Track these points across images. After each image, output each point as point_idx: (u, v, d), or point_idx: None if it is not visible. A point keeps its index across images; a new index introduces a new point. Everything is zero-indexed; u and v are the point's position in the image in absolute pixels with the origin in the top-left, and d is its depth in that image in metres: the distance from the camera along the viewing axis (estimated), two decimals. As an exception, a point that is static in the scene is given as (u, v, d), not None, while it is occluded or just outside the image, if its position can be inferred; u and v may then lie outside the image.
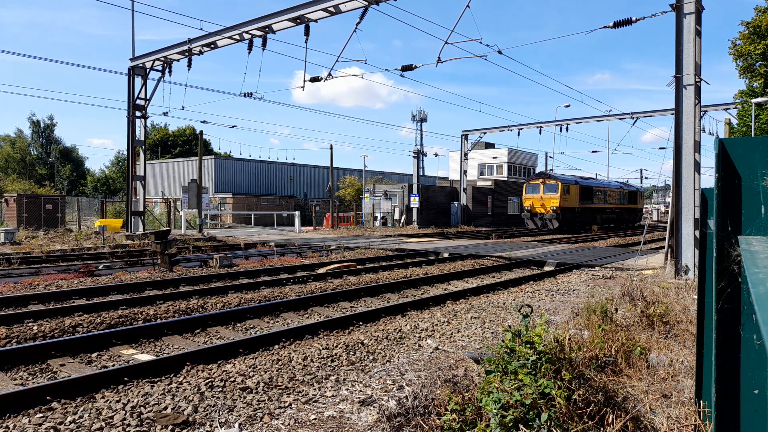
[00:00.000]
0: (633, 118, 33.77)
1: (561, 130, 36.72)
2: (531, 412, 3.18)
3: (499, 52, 16.57)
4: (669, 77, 12.43)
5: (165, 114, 22.96)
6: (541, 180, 35.11)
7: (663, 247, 16.11)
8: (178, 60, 21.98)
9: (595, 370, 4.36)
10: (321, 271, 13.37)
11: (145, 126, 24.52)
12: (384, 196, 39.89)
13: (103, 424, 4.12)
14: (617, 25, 14.62)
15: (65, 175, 66.10)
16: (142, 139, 24.29)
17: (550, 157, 53.09)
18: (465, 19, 15.46)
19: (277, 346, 6.62)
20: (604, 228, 39.04)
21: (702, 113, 19.20)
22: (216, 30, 19.54)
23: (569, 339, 4.90)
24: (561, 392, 3.31)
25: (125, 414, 4.30)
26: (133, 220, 24.16)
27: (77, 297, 9.69)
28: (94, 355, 6.26)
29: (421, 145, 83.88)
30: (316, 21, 17.15)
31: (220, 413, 4.39)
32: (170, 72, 22.52)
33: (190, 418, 4.26)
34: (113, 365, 5.89)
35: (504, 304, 9.45)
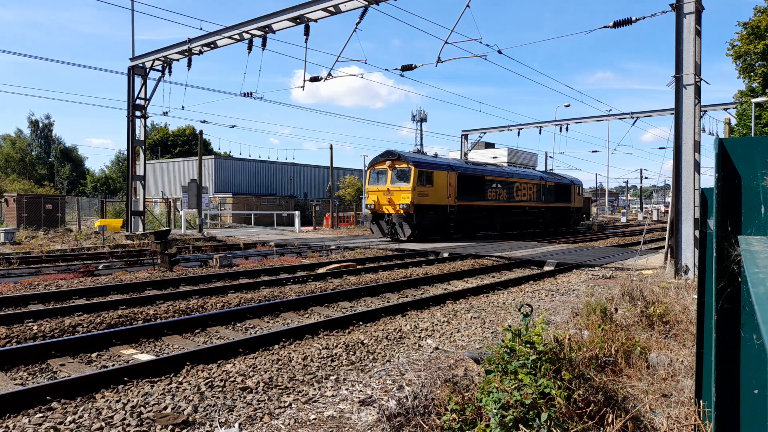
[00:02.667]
0: (633, 117, 33.77)
1: (561, 130, 36.73)
2: (531, 412, 3.18)
3: (499, 51, 16.56)
4: (669, 77, 12.44)
5: (165, 114, 22.96)
6: (388, 163, 22.90)
7: (663, 246, 16.11)
8: (177, 60, 21.97)
9: (594, 369, 4.36)
10: (321, 270, 13.37)
11: (145, 126, 24.51)
12: (384, 195, 39.72)
13: (103, 423, 4.12)
14: (617, 24, 14.61)
15: (65, 175, 66.08)
16: (142, 138, 24.28)
17: (550, 156, 53.04)
18: (465, 18, 15.47)
19: (277, 346, 6.62)
20: (513, 236, 28.11)
21: (702, 113, 19.20)
22: (216, 30, 19.53)
23: (569, 339, 4.91)
24: (561, 392, 3.31)
25: (125, 414, 4.30)
26: (133, 220, 24.15)
27: (77, 297, 9.69)
28: (94, 354, 6.26)
29: (421, 144, 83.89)
30: (315, 21, 17.14)
31: (220, 413, 4.39)
32: (170, 72, 22.51)
33: (190, 418, 4.26)
34: (113, 365, 5.89)
35: (504, 303, 9.46)
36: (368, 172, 24.35)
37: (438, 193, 23.12)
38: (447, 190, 23.62)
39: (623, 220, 61.64)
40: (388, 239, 22.84)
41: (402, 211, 22.04)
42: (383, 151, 23.76)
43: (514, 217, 29.09)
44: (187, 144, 65.02)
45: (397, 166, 22.71)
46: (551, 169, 55.84)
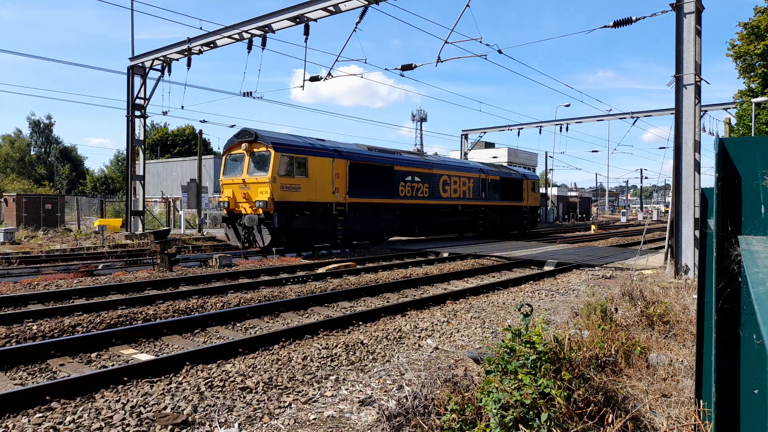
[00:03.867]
0: (633, 117, 33.78)
1: (561, 130, 36.76)
2: (531, 412, 3.17)
3: (499, 51, 16.56)
4: (669, 77, 12.44)
5: (164, 113, 22.94)
6: (244, 146, 17.50)
7: (663, 246, 16.11)
8: (177, 59, 21.96)
9: (594, 369, 4.36)
10: (320, 270, 13.37)
11: (145, 125, 24.49)
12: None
13: (103, 423, 4.12)
14: (617, 24, 14.61)
15: (64, 175, 66.04)
16: (142, 138, 24.27)
17: (550, 156, 53.07)
18: (465, 18, 15.46)
19: (276, 346, 6.61)
20: (444, 239, 23.89)
21: (702, 113, 19.19)
22: (215, 29, 19.52)
23: (569, 339, 4.90)
24: (561, 392, 3.31)
25: (125, 414, 4.30)
26: (133, 220, 24.14)
27: (77, 297, 9.68)
28: (93, 354, 6.26)
29: (421, 144, 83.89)
30: (315, 20, 17.13)
31: (220, 413, 4.39)
32: (170, 71, 22.50)
33: (190, 418, 4.26)
34: (113, 365, 5.89)
35: (504, 303, 9.45)
36: (224, 158, 18.51)
37: (317, 187, 17.59)
38: (333, 184, 18.04)
39: (623, 220, 61.69)
40: (248, 247, 17.75)
41: (260, 211, 16.54)
42: (239, 130, 17.96)
43: (441, 218, 23.58)
44: (187, 144, 65.00)
45: (255, 149, 17.12)
46: (551, 169, 55.89)
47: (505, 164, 31.30)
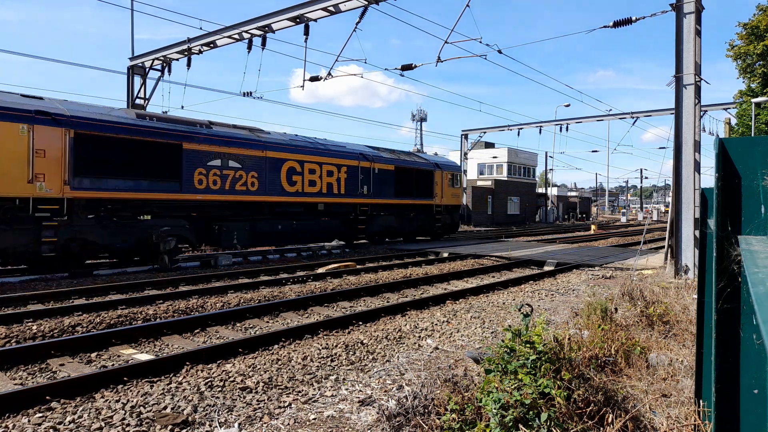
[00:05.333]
0: (633, 117, 33.78)
1: (561, 130, 36.75)
2: (531, 412, 3.17)
3: (499, 51, 16.56)
4: (669, 77, 12.44)
5: (164, 113, 22.94)
6: None
7: (663, 246, 16.12)
8: (177, 59, 21.96)
9: (594, 369, 4.36)
10: (320, 270, 13.37)
11: (145, 125, 24.47)
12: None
13: (103, 423, 4.12)
14: (617, 24, 14.61)
15: (65, 175, 65.91)
16: (142, 138, 24.25)
17: (550, 156, 53.06)
18: (465, 18, 15.46)
19: (276, 346, 6.61)
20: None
21: (702, 113, 19.18)
22: (215, 29, 19.52)
23: (569, 339, 4.90)
24: (561, 392, 3.31)
25: (125, 414, 4.30)
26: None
27: (76, 296, 9.68)
28: (93, 354, 6.26)
29: (421, 144, 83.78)
30: (315, 20, 17.12)
31: (220, 413, 4.39)
32: (170, 71, 22.49)
33: (190, 418, 4.26)
34: (113, 365, 5.89)
35: (504, 303, 9.45)
36: None
37: None
38: (29, 166, 11.31)
39: (623, 220, 61.73)
40: None
41: None
42: None
43: (287, 221, 17.26)
44: (187, 144, 64.80)
45: None
46: (551, 169, 55.85)
47: (391, 150, 23.07)
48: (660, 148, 42.86)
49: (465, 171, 41.01)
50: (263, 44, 18.41)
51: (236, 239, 15.73)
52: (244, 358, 6.04)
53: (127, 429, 4.05)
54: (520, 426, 3.13)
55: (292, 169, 17.41)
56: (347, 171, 19.46)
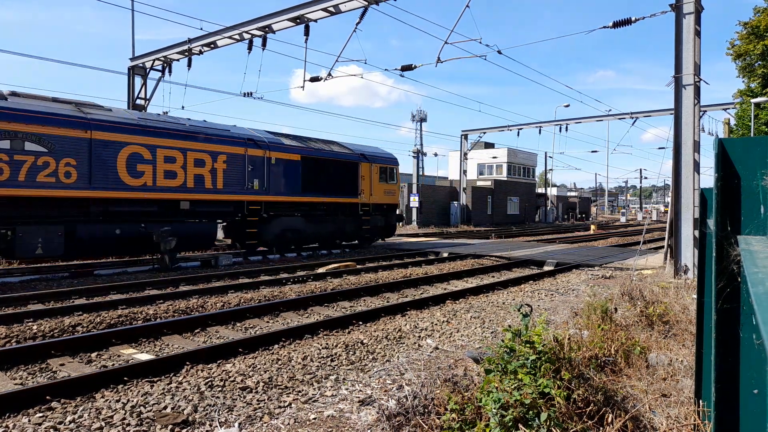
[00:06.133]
0: (632, 117, 33.79)
1: (560, 130, 36.78)
2: (530, 412, 3.18)
3: (499, 52, 16.57)
4: (668, 77, 12.45)
5: (165, 114, 22.94)
6: None
7: (662, 246, 16.12)
8: (178, 60, 21.96)
9: (594, 369, 4.36)
10: (320, 270, 13.38)
11: (145, 125, 24.47)
12: (383, 195, 39.75)
13: (103, 423, 4.12)
14: (617, 25, 14.62)
15: (64, 175, 65.90)
16: (142, 138, 24.25)
17: (550, 156, 53.08)
18: (464, 18, 15.46)
19: (276, 346, 6.62)
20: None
21: (701, 113, 19.20)
22: (216, 30, 19.52)
23: (569, 338, 4.91)
24: (560, 392, 3.31)
25: (125, 413, 4.30)
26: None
27: (77, 296, 9.69)
28: (93, 354, 6.26)
29: (421, 144, 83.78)
30: (315, 21, 17.13)
31: (220, 413, 4.39)
32: (170, 72, 22.50)
33: (190, 418, 4.26)
34: (113, 365, 5.89)
35: (503, 303, 9.46)
36: None
37: None
38: None
39: (623, 220, 61.74)
40: None
41: None
42: None
43: (140, 223, 13.65)
44: (187, 144, 64.81)
45: None
46: (550, 169, 55.87)
47: (296, 136, 19.02)
48: (659, 148, 42.39)
49: (465, 171, 41.01)
50: (263, 45, 18.42)
51: (42, 248, 11.96)
52: (245, 357, 6.04)
53: (127, 429, 4.05)
54: (520, 426, 3.14)
55: (135, 155, 13.39)
56: (228, 160, 15.43)
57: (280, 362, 5.79)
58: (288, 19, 17.32)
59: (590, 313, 6.39)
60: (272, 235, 16.75)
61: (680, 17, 11.93)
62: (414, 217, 37.40)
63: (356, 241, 20.48)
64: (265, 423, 4.20)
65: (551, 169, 55.77)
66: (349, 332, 7.41)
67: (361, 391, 4.87)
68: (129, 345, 6.71)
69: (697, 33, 11.86)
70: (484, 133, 40.46)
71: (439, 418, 3.60)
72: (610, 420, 3.27)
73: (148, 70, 23.47)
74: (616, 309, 6.90)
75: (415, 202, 36.95)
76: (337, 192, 18.91)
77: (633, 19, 14.32)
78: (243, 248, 16.99)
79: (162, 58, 22.26)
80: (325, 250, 19.05)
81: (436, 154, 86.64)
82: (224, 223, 16.68)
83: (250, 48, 18.62)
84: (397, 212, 22.53)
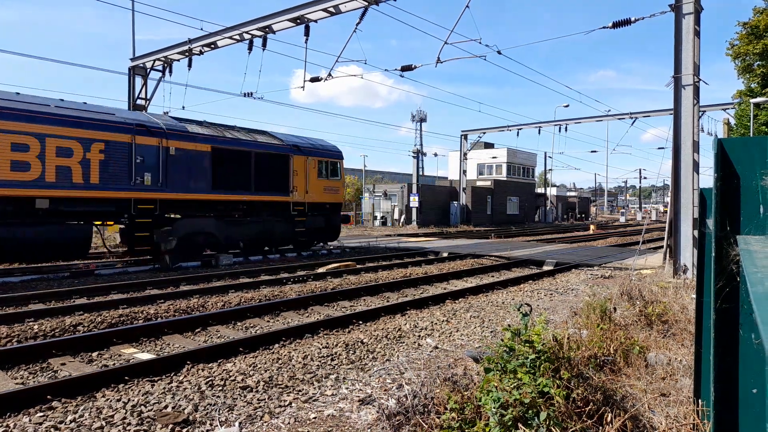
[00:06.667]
0: (632, 118, 33.81)
1: (560, 130, 36.80)
2: (530, 411, 3.19)
3: (499, 52, 16.57)
4: (668, 77, 12.46)
5: (165, 114, 22.93)
6: None
7: (661, 246, 16.13)
8: (178, 60, 21.96)
9: (593, 369, 4.37)
10: (321, 270, 13.39)
11: (145, 125, 24.45)
12: (383, 195, 39.91)
13: (104, 423, 4.13)
14: (616, 25, 14.63)
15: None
16: (142, 138, 24.23)
17: (549, 156, 53.11)
18: (464, 19, 15.46)
19: (277, 345, 6.63)
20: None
21: (701, 113, 19.21)
22: (216, 30, 19.52)
23: (568, 338, 4.92)
24: (560, 391, 3.32)
25: (126, 413, 4.31)
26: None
27: (78, 296, 9.69)
28: (94, 354, 6.27)
29: (421, 144, 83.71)
30: (316, 21, 17.13)
31: (221, 412, 4.40)
32: (170, 72, 22.50)
33: (191, 417, 4.27)
34: (114, 364, 5.90)
35: (503, 303, 9.47)
36: None
37: None
38: None
39: (622, 220, 61.76)
40: None
41: None
42: None
43: None
44: (187, 143, 64.72)
45: None
46: (550, 169, 55.85)
47: (197, 122, 16.19)
48: (659, 148, 42.43)
49: (465, 171, 41.00)
50: (264, 45, 18.42)
51: None
52: (245, 357, 6.05)
53: (128, 428, 4.06)
54: (520, 425, 3.15)
55: None
56: (107, 149, 12.64)
57: (280, 361, 5.80)
58: (288, 20, 17.33)
59: (589, 312, 6.40)
60: (174, 239, 13.77)
61: (680, 17, 11.94)
62: (414, 217, 37.42)
63: (290, 246, 17.89)
64: (265, 422, 4.21)
65: (551, 169, 55.82)
66: (349, 332, 7.42)
67: (361, 390, 4.88)
68: (130, 344, 6.72)
69: (697, 33, 11.87)
70: (484, 133, 40.47)
71: (438, 418, 3.61)
72: (609, 419, 3.29)
73: (148, 70, 23.47)
74: (615, 309, 6.91)
75: (415, 202, 36.98)
76: (262, 189, 16.17)
77: (632, 19, 14.32)
78: (132, 255, 14.50)
79: (162, 59, 22.25)
80: (257, 256, 16.32)
81: (436, 154, 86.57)
82: (122, 227, 14.07)
83: (250, 48, 18.62)
84: (342, 213, 19.93)
